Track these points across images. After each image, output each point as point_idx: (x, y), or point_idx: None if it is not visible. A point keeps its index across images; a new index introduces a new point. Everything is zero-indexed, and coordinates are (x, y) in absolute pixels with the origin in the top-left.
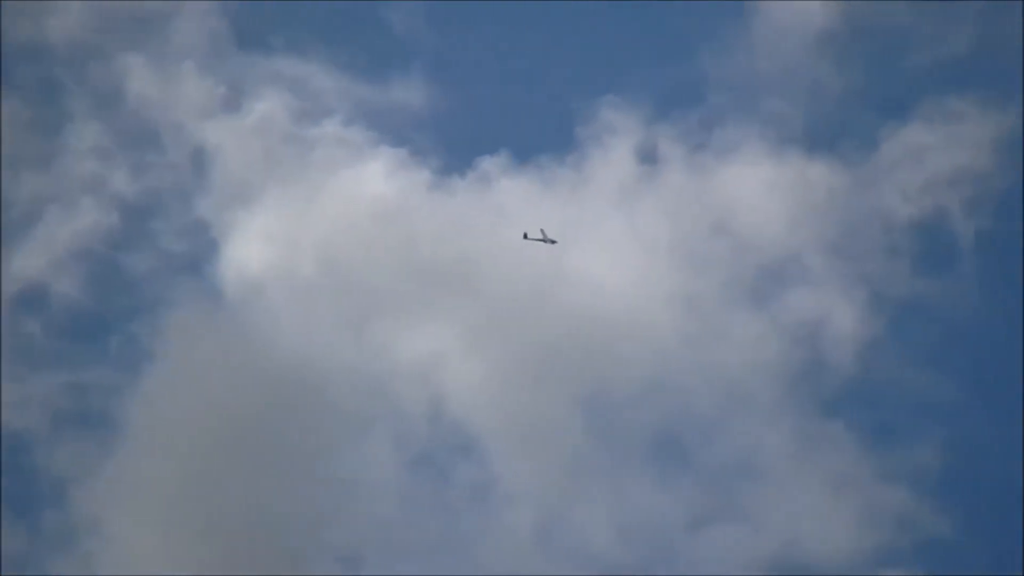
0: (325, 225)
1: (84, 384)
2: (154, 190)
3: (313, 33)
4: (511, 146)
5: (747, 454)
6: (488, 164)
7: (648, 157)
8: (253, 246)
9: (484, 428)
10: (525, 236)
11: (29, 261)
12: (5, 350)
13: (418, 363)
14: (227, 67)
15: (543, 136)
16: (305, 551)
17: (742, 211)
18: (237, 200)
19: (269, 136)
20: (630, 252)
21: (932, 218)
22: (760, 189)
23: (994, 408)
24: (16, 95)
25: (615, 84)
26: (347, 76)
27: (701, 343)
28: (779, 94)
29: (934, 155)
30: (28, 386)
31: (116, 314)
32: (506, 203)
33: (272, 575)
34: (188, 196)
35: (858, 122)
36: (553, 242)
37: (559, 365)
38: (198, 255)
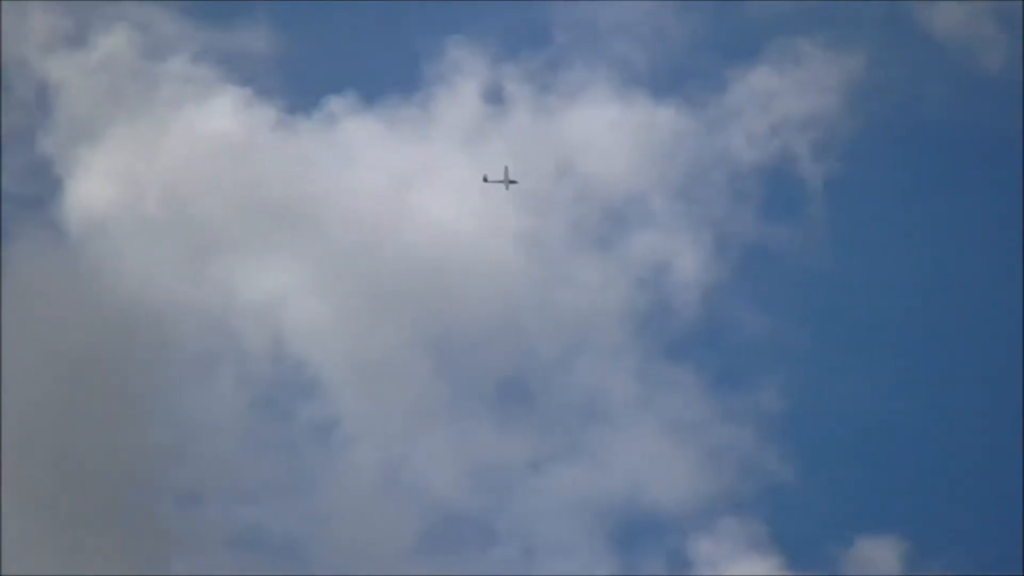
0: (170, 163)
1: None
2: None
3: None
4: (357, 85)
5: (591, 396)
6: (334, 103)
7: (494, 97)
8: (97, 183)
9: (328, 368)
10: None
11: None
12: None
13: (261, 302)
14: (72, 7)
15: (389, 75)
16: (145, 490)
17: (588, 153)
18: (81, 137)
19: (114, 72)
20: (476, 193)
21: (779, 162)
22: (606, 131)
23: (839, 353)
24: None
25: (461, 23)
26: (192, 20)
27: (546, 285)
28: (625, 37)
29: (781, 99)
30: None
31: None
32: (352, 142)
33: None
34: (31, 133)
35: (705, 65)
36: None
37: (404, 306)
38: (41, 193)
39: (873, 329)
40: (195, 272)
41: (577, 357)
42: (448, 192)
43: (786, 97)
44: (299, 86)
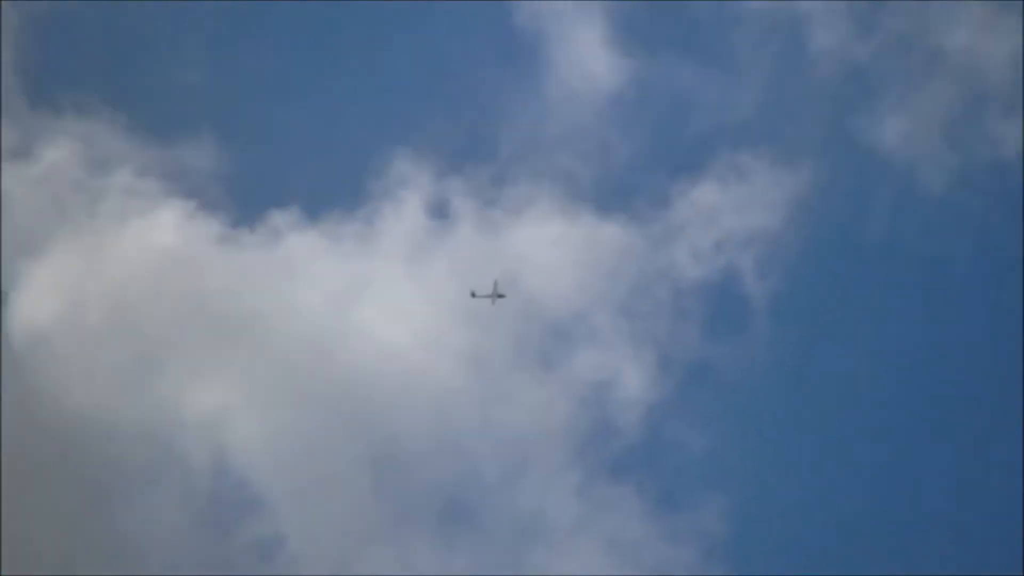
0: (113, 276)
1: None
2: None
3: (102, 95)
4: (301, 200)
5: (533, 516)
6: (278, 218)
7: (439, 212)
8: (41, 296)
9: (270, 485)
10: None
11: None
12: None
13: (204, 417)
14: (17, 120)
15: (334, 190)
16: None
17: (532, 269)
18: (25, 249)
19: (58, 185)
20: (419, 309)
21: (724, 279)
22: (550, 247)
23: (783, 474)
24: None
25: (407, 136)
26: (137, 135)
27: (488, 404)
28: (570, 153)
29: (726, 215)
30: None
31: None
32: (295, 257)
33: None
34: None
35: (649, 181)
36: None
37: (347, 422)
38: None
39: (818, 449)
40: (138, 386)
41: (519, 477)
42: (391, 308)
43: (731, 213)
44: (243, 200)
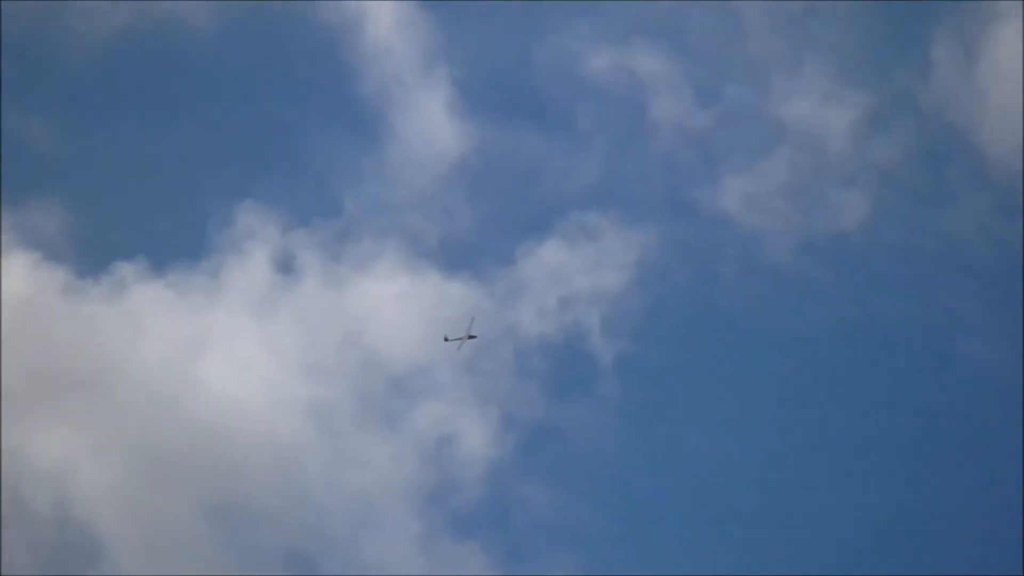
0: None
1: None
2: None
3: None
4: (147, 251)
5: (379, 572)
6: (124, 269)
7: (285, 266)
8: None
9: (115, 534)
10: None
11: None
12: None
13: (49, 466)
14: None
15: (180, 242)
16: None
17: (376, 325)
18: None
19: None
20: (263, 363)
21: (569, 338)
22: (394, 303)
23: (628, 534)
24: None
25: (253, 189)
26: None
27: (334, 458)
28: (415, 213)
29: (572, 274)
30: None
31: None
32: (141, 309)
33: None
34: None
35: (495, 241)
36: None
37: (190, 475)
38: None
39: (662, 508)
40: None
41: (364, 531)
42: (236, 361)
43: (577, 272)
44: (89, 251)
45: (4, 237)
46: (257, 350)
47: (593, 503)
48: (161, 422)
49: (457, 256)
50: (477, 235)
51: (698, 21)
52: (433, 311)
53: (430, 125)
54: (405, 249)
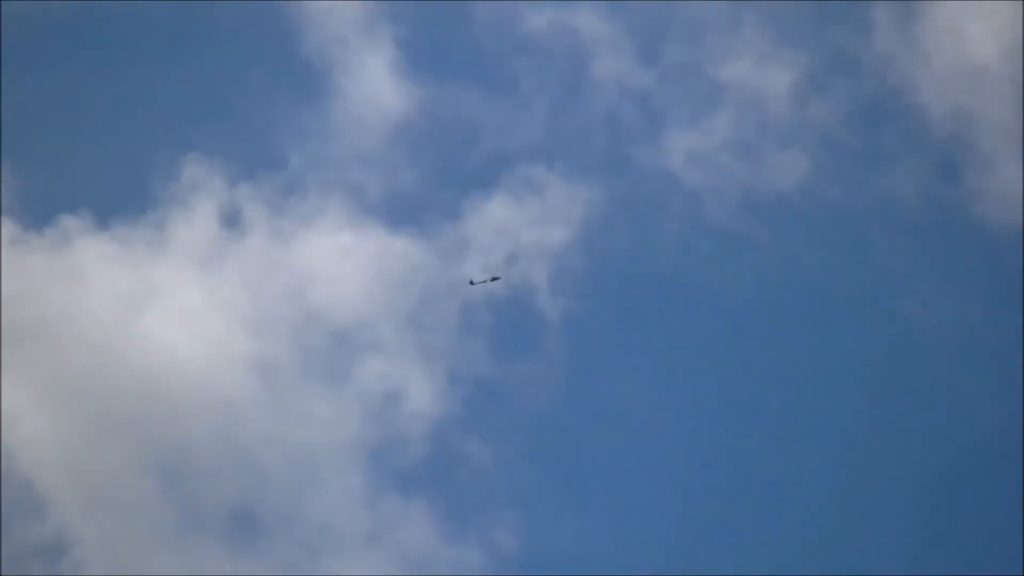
0: None
1: None
2: None
3: None
4: (92, 205)
5: (324, 529)
6: (68, 223)
7: (230, 220)
8: None
9: (56, 488)
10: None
11: None
12: None
13: None
14: None
15: (125, 195)
16: None
17: (320, 280)
18: None
19: None
20: (207, 317)
21: (515, 294)
22: (339, 258)
23: (571, 492)
24: None
25: (199, 141)
26: None
27: (278, 413)
28: (360, 169)
29: (518, 229)
30: None
31: None
32: (85, 263)
33: None
34: None
35: (439, 196)
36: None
37: (133, 429)
38: None
39: (606, 466)
40: None
41: (308, 487)
42: (181, 315)
43: (523, 228)
44: (33, 205)
45: None
46: (202, 304)
47: (537, 461)
48: (105, 376)
49: (402, 212)
50: (422, 191)
51: None
52: (377, 266)
53: (373, 85)
54: (350, 204)
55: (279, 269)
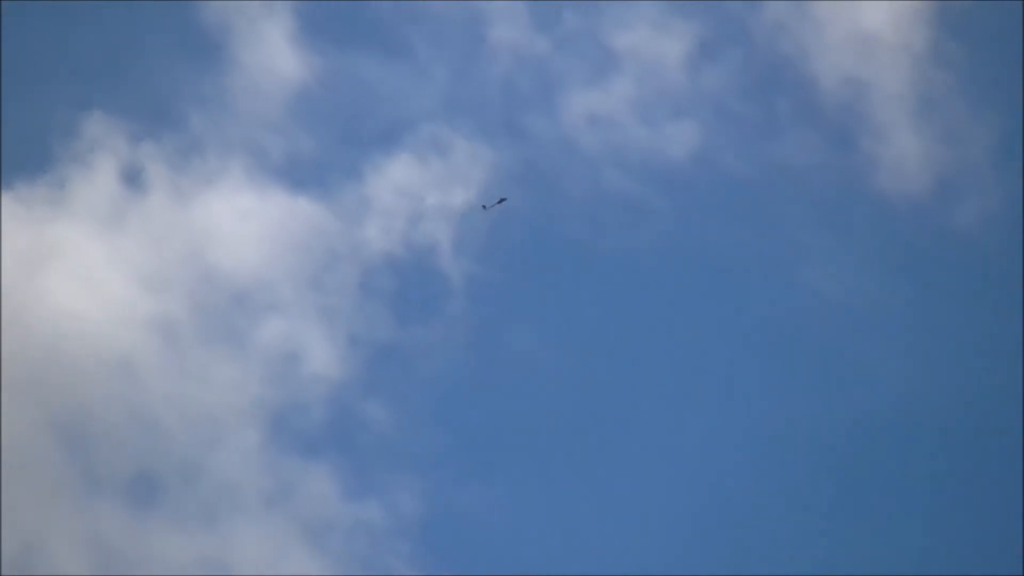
0: None
1: None
2: None
3: None
4: None
5: (226, 492)
6: None
7: (132, 179)
8: None
9: None
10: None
11: None
12: None
13: None
14: None
15: (25, 152)
16: None
17: (222, 240)
18: None
19: None
20: (108, 277)
21: (418, 257)
22: (240, 219)
23: (478, 460)
24: None
25: (99, 98)
26: None
27: (178, 375)
28: (262, 131)
29: (422, 191)
30: None
31: None
32: None
33: None
34: None
35: (341, 158)
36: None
37: (32, 391)
38: None
39: (509, 431)
40: None
41: (211, 453)
42: (80, 275)
43: (427, 189)
44: None
45: None
46: (102, 263)
47: (440, 424)
48: (2, 336)
49: (303, 174)
50: (323, 154)
51: None
52: (278, 227)
53: (271, 52)
54: (251, 165)
55: (180, 229)
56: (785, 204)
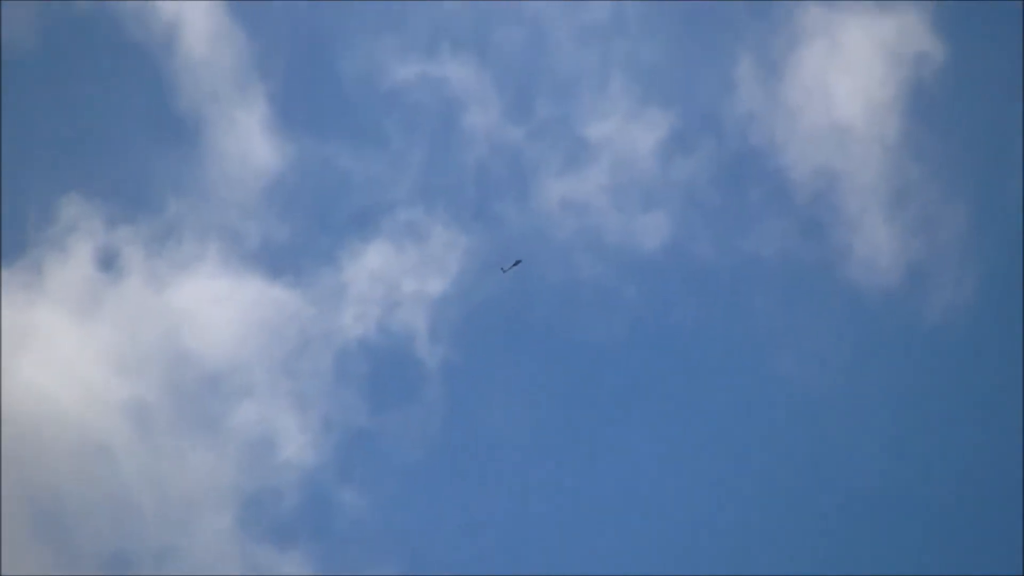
0: None
1: None
2: None
3: None
4: None
5: None
6: None
7: (107, 263)
8: None
9: None
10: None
11: None
12: None
13: None
14: None
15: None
16: None
17: (196, 326)
18: None
19: None
20: (82, 361)
21: (393, 343)
22: (215, 304)
23: (453, 546)
24: None
25: (76, 181)
26: None
27: (153, 461)
28: (237, 217)
29: (398, 277)
30: None
31: None
32: None
33: None
34: None
35: (318, 241)
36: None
37: (8, 472)
38: None
39: (483, 515)
40: None
41: (182, 540)
42: (55, 358)
43: (403, 275)
44: None
45: None
46: (77, 348)
47: (414, 512)
48: None
49: (278, 260)
50: (298, 240)
51: (503, 32)
52: (253, 312)
53: (246, 139)
54: (226, 251)
55: (155, 313)
56: (757, 293)
